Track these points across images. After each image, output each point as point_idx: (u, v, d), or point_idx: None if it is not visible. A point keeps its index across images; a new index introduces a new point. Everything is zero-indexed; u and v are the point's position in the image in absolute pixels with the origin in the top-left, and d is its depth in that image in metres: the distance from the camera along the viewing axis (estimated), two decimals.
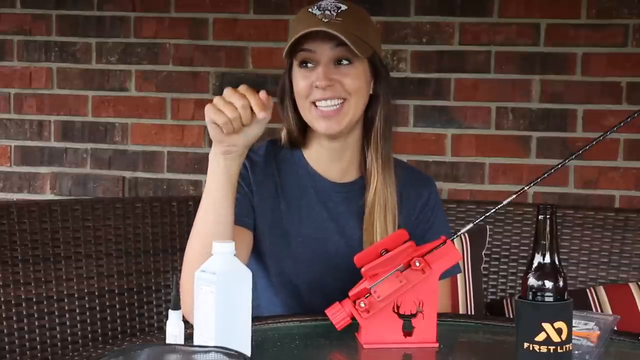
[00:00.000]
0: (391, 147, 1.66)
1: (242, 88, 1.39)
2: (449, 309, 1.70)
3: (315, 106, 1.57)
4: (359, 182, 1.67)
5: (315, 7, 1.57)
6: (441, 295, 1.54)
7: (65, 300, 1.99)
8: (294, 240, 1.63)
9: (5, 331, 1.90)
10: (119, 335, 2.05)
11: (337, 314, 1.30)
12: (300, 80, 1.58)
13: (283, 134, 1.68)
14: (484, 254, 2.39)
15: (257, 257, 1.65)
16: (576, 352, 1.22)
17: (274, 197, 1.64)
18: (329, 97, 1.56)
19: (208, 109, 1.38)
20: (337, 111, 1.56)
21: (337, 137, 1.62)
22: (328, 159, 1.66)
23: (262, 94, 1.39)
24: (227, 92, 1.38)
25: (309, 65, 1.57)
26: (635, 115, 1.31)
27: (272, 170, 1.65)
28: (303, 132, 1.66)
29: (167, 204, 2.19)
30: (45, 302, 1.97)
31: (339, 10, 1.56)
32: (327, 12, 1.55)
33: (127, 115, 2.99)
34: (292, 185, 1.65)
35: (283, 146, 1.68)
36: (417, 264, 1.29)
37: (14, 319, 1.91)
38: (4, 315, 1.90)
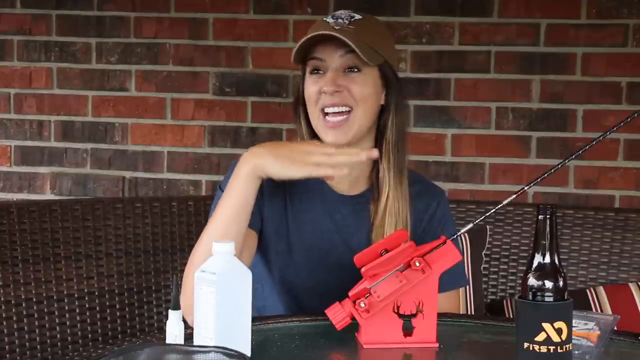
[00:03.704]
0: (405, 158, 1.65)
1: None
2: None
3: (324, 116, 1.57)
4: (366, 194, 1.66)
5: (330, 16, 1.59)
6: (453, 308, 1.60)
7: (65, 300, 1.99)
8: (296, 249, 1.63)
9: (5, 331, 1.90)
10: (119, 335, 2.05)
11: (337, 314, 1.30)
12: (310, 86, 1.59)
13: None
14: (484, 254, 2.39)
15: (264, 263, 1.65)
16: (576, 352, 1.22)
17: (282, 206, 1.64)
18: (336, 103, 1.56)
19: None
20: (344, 121, 1.56)
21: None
22: None
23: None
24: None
25: (320, 72, 1.59)
26: (635, 115, 1.31)
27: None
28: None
29: (167, 204, 2.19)
30: (45, 302, 1.97)
31: (352, 19, 1.57)
32: (340, 20, 1.57)
33: (127, 115, 2.99)
34: (300, 194, 1.65)
35: None
36: (417, 264, 1.29)
37: (14, 319, 1.92)
38: (4, 315, 1.90)
